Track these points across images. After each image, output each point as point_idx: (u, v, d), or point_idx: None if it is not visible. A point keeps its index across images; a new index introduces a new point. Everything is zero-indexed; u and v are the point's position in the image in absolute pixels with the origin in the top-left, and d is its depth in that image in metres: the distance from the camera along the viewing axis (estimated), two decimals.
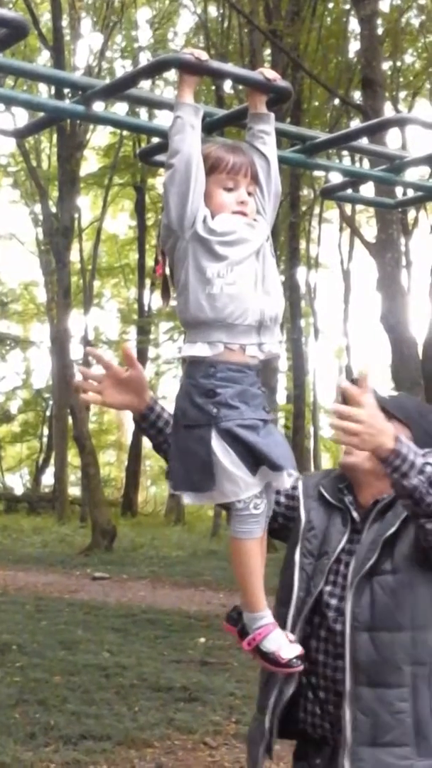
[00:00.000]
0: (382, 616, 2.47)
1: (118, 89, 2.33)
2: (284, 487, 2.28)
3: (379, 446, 2.26)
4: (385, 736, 2.43)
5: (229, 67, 2.45)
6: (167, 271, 2.34)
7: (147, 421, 2.56)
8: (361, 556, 2.54)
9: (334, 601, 2.56)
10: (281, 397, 29.25)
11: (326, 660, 2.57)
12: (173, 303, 2.34)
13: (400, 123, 3.32)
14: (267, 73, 2.30)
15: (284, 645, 2.28)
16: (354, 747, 2.44)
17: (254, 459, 2.19)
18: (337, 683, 2.53)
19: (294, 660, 2.27)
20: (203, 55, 2.17)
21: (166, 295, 2.36)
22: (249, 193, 2.30)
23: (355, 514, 2.67)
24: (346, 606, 2.51)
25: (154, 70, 2.30)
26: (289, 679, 2.56)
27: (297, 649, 2.29)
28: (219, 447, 2.19)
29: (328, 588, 2.59)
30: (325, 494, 2.72)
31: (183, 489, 2.28)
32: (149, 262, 31.11)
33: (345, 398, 2.28)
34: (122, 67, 27.76)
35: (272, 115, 2.37)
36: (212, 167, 2.26)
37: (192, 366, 2.26)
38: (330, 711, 2.56)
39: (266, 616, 2.28)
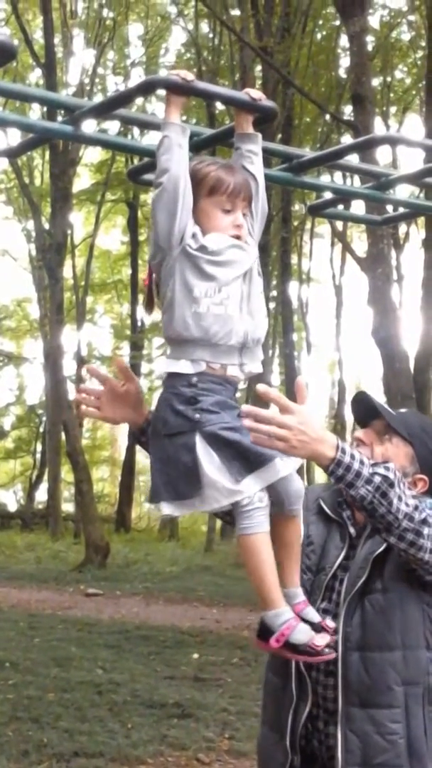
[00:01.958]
0: (373, 636, 2.46)
1: (106, 110, 2.36)
2: (280, 475, 2.22)
3: (317, 455, 2.20)
4: (377, 758, 2.41)
5: (215, 87, 2.48)
6: (154, 285, 2.36)
7: (146, 435, 2.48)
8: (353, 575, 2.53)
9: (327, 619, 2.53)
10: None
11: (317, 677, 2.56)
12: (156, 315, 2.36)
13: (386, 142, 3.34)
14: (252, 93, 2.32)
15: (313, 634, 2.24)
16: None
17: (241, 460, 2.18)
18: (327, 701, 2.52)
19: (327, 649, 2.24)
20: (189, 76, 2.20)
21: (149, 306, 2.38)
22: (243, 215, 2.33)
23: (352, 530, 2.65)
24: (339, 625, 2.48)
25: (142, 91, 2.33)
26: (303, 695, 2.55)
27: (327, 637, 2.25)
28: (203, 452, 2.19)
29: (323, 605, 2.57)
30: (325, 508, 2.70)
31: (164, 499, 2.27)
32: (142, 278, 31.09)
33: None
34: (114, 84, 27.90)
35: (260, 136, 2.39)
36: (213, 188, 2.28)
37: (173, 378, 2.27)
38: (319, 728, 2.56)
39: (288, 611, 2.25)
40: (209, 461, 2.19)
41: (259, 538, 2.21)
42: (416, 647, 2.47)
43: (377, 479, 2.24)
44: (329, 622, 2.40)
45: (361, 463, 2.24)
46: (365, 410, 2.72)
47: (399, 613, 2.47)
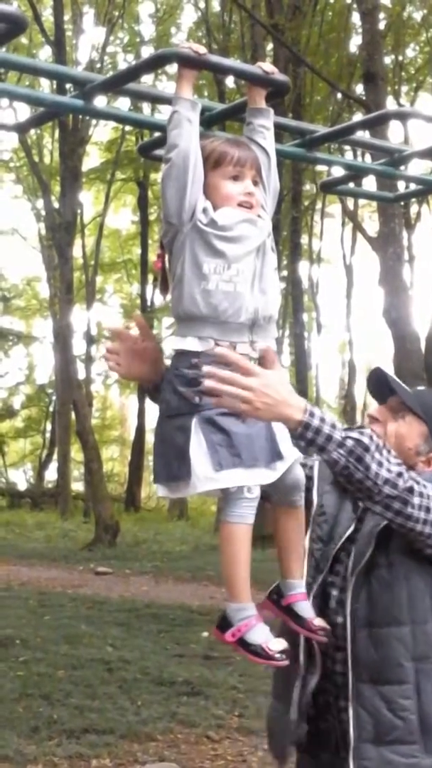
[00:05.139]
0: (380, 612, 2.44)
1: (116, 84, 2.34)
2: (267, 481, 2.19)
3: (283, 417, 2.15)
4: (389, 735, 2.40)
5: (227, 61, 2.45)
6: (167, 264, 2.34)
7: (159, 391, 2.43)
8: (359, 550, 2.51)
9: (335, 592, 2.53)
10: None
11: (327, 650, 2.54)
12: (168, 296, 2.33)
13: (399, 117, 3.31)
14: (265, 66, 2.30)
15: (271, 638, 2.20)
16: (358, 745, 2.41)
17: (229, 450, 2.15)
18: (336, 674, 2.51)
19: (280, 654, 2.19)
20: (201, 50, 2.17)
21: (164, 289, 2.35)
22: (255, 184, 2.29)
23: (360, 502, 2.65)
24: (347, 600, 2.48)
25: (153, 64, 2.30)
26: (312, 669, 2.54)
27: (283, 644, 2.21)
28: (195, 435, 2.16)
29: (330, 578, 2.56)
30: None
31: (160, 481, 2.27)
32: (152, 258, 31.03)
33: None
34: (125, 61, 27.71)
35: (271, 110, 2.37)
36: (217, 161, 2.25)
37: (177, 357, 2.25)
38: (330, 702, 2.55)
39: (251, 608, 2.21)
40: (197, 444, 2.16)
41: (240, 528, 2.18)
42: (424, 622, 2.45)
43: (350, 443, 2.20)
44: (318, 622, 2.38)
45: (333, 426, 2.20)
46: (381, 387, 2.69)
47: (405, 588, 2.45)
